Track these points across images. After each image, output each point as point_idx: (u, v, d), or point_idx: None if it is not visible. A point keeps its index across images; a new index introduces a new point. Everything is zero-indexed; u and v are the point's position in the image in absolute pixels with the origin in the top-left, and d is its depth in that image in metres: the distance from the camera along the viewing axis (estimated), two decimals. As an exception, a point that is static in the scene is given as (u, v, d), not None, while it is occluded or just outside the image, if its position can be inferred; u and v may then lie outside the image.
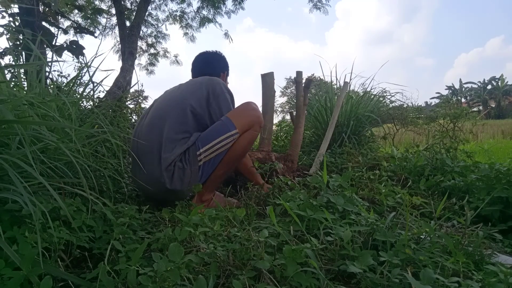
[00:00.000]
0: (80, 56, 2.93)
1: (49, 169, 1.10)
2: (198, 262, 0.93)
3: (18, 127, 0.95)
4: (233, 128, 1.62)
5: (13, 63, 2.04)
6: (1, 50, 2.50)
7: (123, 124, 2.37)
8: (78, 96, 1.80)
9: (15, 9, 2.69)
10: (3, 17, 2.66)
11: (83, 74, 1.86)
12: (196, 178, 1.61)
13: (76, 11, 6.34)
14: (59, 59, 2.74)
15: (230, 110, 1.73)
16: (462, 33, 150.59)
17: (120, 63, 4.68)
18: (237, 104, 1.80)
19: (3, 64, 2.25)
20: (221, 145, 1.62)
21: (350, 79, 3.57)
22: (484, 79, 44.89)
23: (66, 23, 5.70)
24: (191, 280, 0.86)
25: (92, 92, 1.92)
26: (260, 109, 2.16)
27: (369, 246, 1.05)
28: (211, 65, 1.99)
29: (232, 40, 7.10)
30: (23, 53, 2.03)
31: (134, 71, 4.59)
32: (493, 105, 40.22)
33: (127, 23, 5.28)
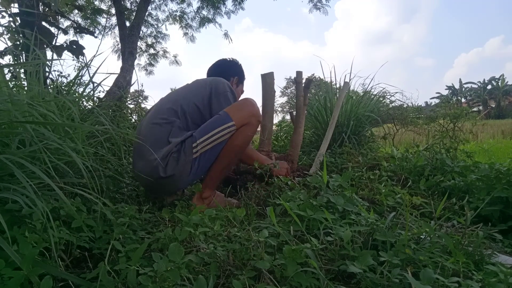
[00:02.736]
0: (80, 56, 2.93)
1: (49, 168, 1.10)
2: (198, 262, 0.93)
3: (25, 128, 0.95)
4: (229, 120, 1.64)
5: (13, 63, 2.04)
6: (1, 50, 2.50)
7: (123, 124, 2.38)
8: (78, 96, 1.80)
9: (15, 9, 2.69)
10: (3, 17, 2.66)
11: (83, 73, 1.87)
12: (187, 169, 1.61)
13: (76, 11, 6.34)
14: (58, 58, 2.74)
15: None
16: (462, 33, 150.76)
17: (120, 63, 4.68)
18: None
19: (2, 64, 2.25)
20: (218, 136, 1.63)
21: (350, 79, 3.56)
22: (484, 79, 44.96)
23: (66, 23, 5.71)
24: (191, 280, 0.86)
25: (92, 92, 1.93)
26: (260, 109, 2.17)
27: (369, 246, 1.05)
28: (222, 68, 2.11)
29: (231, 40, 7.10)
30: (23, 53, 2.03)
31: (134, 71, 4.59)
32: (493, 105, 40.22)
33: (127, 23, 5.28)
